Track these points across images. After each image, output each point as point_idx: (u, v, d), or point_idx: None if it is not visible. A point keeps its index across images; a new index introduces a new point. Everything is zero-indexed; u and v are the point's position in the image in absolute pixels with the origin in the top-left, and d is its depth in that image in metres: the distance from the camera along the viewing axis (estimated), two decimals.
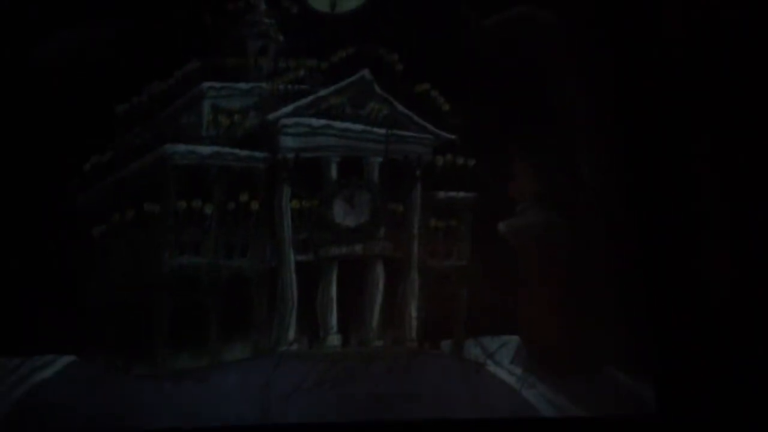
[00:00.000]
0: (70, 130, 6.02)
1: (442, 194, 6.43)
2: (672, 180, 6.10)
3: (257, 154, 6.25)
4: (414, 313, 6.11)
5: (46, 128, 6.03)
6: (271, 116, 6.24)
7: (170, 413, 5.35)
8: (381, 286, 6.18)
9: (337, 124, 6.30)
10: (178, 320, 5.80)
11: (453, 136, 6.39)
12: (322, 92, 6.32)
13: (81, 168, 6.17)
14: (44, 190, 5.94)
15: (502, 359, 5.91)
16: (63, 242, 5.92)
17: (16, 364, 5.55)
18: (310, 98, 6.28)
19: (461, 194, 6.43)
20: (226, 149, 6.22)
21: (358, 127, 6.32)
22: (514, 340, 5.97)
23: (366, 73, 6.38)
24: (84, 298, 5.84)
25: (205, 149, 6.17)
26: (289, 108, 6.25)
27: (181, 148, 6.12)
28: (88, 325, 5.71)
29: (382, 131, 6.34)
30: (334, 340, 6.02)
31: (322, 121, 6.29)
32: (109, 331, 5.71)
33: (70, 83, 6.13)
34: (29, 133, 6.02)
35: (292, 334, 5.96)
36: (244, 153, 6.23)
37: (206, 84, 6.35)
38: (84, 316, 5.73)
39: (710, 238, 5.97)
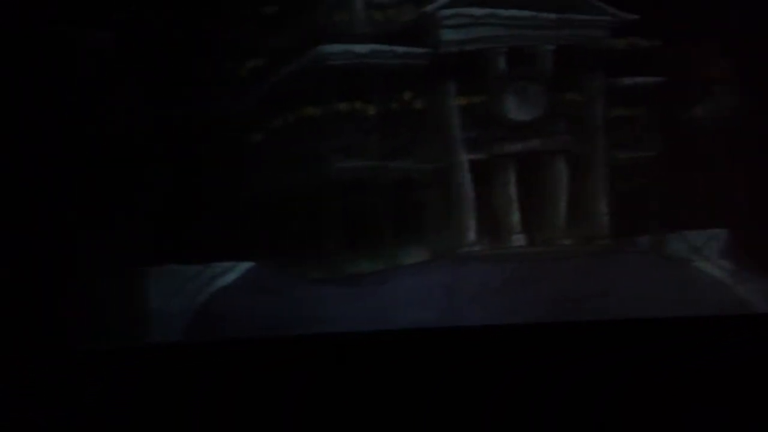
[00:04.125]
0: (217, 34, 5.73)
1: (625, 80, 5.88)
2: None
3: (417, 50, 5.80)
4: (604, 209, 5.64)
5: (194, 34, 5.74)
6: (429, 8, 5.76)
7: (350, 317, 5.05)
8: (565, 182, 5.72)
9: (502, 12, 5.78)
10: (350, 224, 5.50)
11: (634, 16, 5.76)
12: None
13: (236, 74, 5.86)
14: (198, 98, 5.65)
15: (710, 254, 5.40)
16: (223, 150, 5.65)
17: (197, 272, 5.37)
18: None
19: (647, 79, 5.85)
20: (384, 46, 5.79)
21: (525, 13, 5.78)
22: (722, 233, 5.44)
23: None
24: (254, 206, 5.57)
25: (362, 48, 5.76)
26: None
27: (337, 47, 5.72)
28: (262, 232, 5.47)
29: (553, 16, 5.77)
30: (519, 239, 5.62)
31: (485, 10, 5.77)
32: (284, 238, 5.48)
33: None
34: (181, 39, 5.73)
35: (472, 235, 5.58)
36: (402, 50, 5.79)
37: None
38: (257, 223, 5.48)
39: None
